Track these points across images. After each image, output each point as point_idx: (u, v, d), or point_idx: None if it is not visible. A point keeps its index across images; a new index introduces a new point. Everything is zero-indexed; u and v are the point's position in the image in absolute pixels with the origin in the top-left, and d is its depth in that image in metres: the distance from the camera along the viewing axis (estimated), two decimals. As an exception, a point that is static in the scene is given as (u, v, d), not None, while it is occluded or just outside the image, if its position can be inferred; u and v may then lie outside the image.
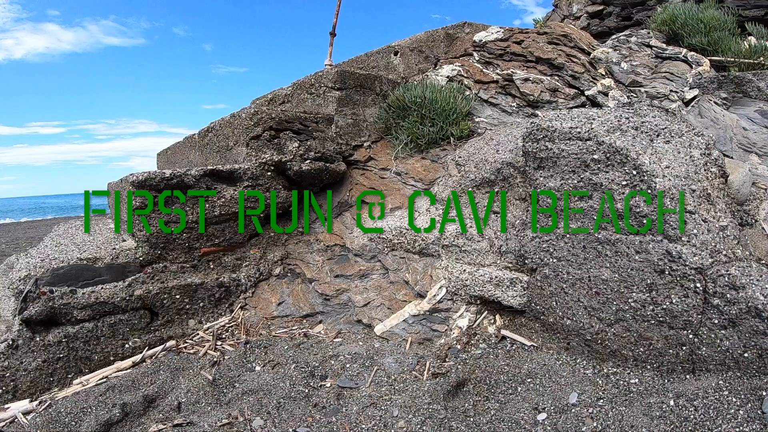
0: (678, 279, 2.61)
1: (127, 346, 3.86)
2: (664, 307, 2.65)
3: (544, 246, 3.28)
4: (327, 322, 4.36)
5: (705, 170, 2.91)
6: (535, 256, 3.34)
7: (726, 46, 4.90)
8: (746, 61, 4.64)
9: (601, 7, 7.62)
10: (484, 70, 5.67)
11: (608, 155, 2.88)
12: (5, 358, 3.38)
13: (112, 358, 3.78)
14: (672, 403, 2.44)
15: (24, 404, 3.30)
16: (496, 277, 3.56)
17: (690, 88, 4.42)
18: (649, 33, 5.34)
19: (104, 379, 3.55)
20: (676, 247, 2.62)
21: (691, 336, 2.59)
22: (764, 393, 2.30)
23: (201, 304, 4.22)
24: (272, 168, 4.54)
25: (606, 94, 4.83)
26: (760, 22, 5.60)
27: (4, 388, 3.36)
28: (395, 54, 6.32)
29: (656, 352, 2.71)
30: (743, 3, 5.87)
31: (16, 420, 3.16)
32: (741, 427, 2.18)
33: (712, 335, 2.53)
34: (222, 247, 4.42)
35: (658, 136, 2.98)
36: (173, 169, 4.15)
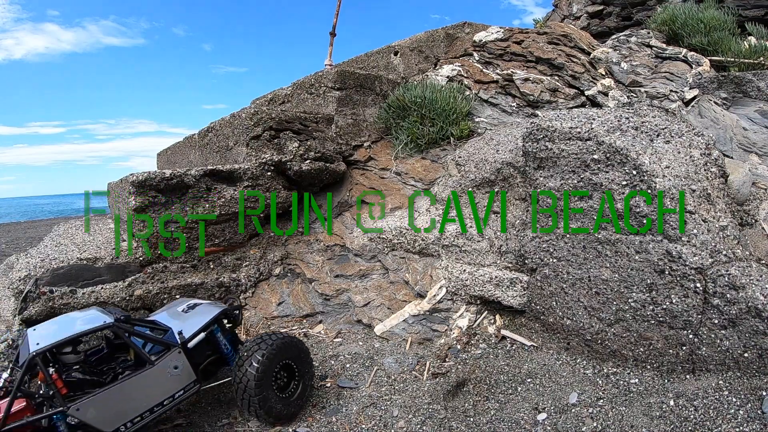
0: (678, 279, 2.61)
1: (127, 346, 3.85)
2: (664, 307, 2.66)
3: (544, 246, 3.28)
4: (327, 322, 4.36)
5: (705, 170, 2.91)
6: (535, 256, 3.34)
7: (726, 46, 4.91)
8: (746, 61, 4.64)
9: (601, 7, 7.62)
10: (484, 70, 5.67)
11: (608, 155, 2.89)
12: (5, 358, 3.38)
13: (112, 358, 3.77)
14: (672, 403, 2.44)
15: (24, 404, 3.29)
16: (496, 277, 3.56)
17: (690, 88, 4.43)
18: (649, 33, 5.34)
19: (104, 379, 3.54)
20: (676, 247, 2.62)
21: (691, 336, 2.59)
22: (764, 393, 2.30)
23: (201, 304, 4.22)
24: (272, 168, 4.54)
25: (606, 94, 4.83)
26: (760, 22, 5.61)
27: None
28: (395, 54, 6.32)
29: (656, 352, 2.71)
30: (743, 3, 5.87)
31: (16, 420, 3.16)
32: (741, 427, 2.18)
33: (712, 335, 2.53)
34: (222, 247, 4.42)
35: (658, 136, 2.98)
36: (173, 169, 4.15)
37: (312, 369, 3.15)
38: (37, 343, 2.36)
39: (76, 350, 2.67)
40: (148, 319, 3.07)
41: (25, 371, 2.28)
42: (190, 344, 2.81)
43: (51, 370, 2.34)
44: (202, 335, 2.92)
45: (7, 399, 2.29)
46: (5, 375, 2.52)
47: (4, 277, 4.22)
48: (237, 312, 3.20)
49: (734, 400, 2.33)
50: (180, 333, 2.81)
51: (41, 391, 2.44)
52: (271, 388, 2.84)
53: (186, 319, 3.01)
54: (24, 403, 2.36)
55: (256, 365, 2.76)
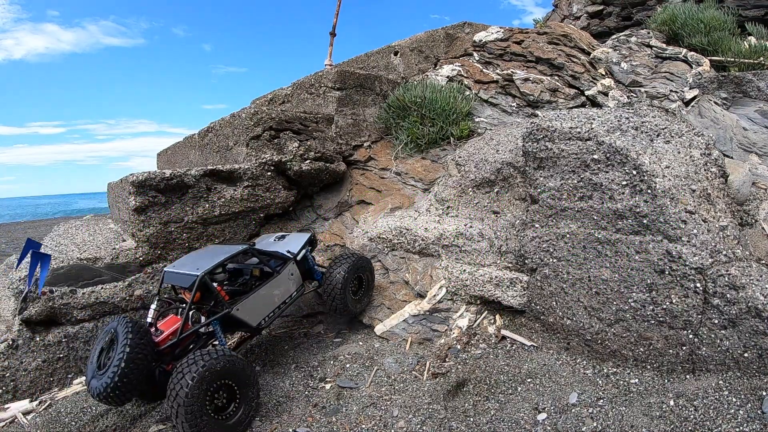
0: (678, 279, 2.61)
1: (127, 346, 3.85)
2: (664, 307, 2.65)
3: (544, 246, 3.28)
4: (327, 322, 4.36)
5: (705, 170, 2.91)
6: (535, 256, 3.34)
7: (726, 46, 4.90)
8: (746, 61, 4.63)
9: (601, 7, 7.62)
10: (484, 70, 5.67)
11: (608, 155, 2.88)
12: (5, 358, 3.39)
13: (112, 358, 3.77)
14: (672, 403, 2.44)
15: (24, 404, 3.30)
16: (496, 277, 3.56)
17: (690, 88, 4.42)
18: (649, 33, 5.34)
19: (104, 379, 3.54)
20: (676, 247, 2.62)
21: (691, 336, 2.59)
22: (764, 393, 2.30)
23: (201, 304, 4.22)
24: (272, 168, 4.54)
25: (606, 94, 4.83)
26: (760, 22, 5.60)
27: (4, 388, 3.36)
28: (395, 54, 6.33)
29: (656, 352, 2.71)
30: (743, 3, 5.87)
31: (16, 420, 3.17)
32: (741, 427, 2.18)
33: (712, 335, 2.53)
34: (222, 247, 4.41)
35: (658, 136, 2.98)
36: (173, 169, 4.15)
37: (373, 283, 4.09)
38: (197, 269, 2.97)
39: (223, 270, 3.32)
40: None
41: (197, 289, 2.92)
42: (299, 257, 3.70)
43: (215, 284, 3.06)
44: (304, 251, 3.79)
45: (171, 316, 3.04)
46: (153, 306, 3.09)
47: (4, 277, 4.21)
48: (315, 239, 4.13)
49: (734, 400, 2.33)
50: (288, 251, 3.66)
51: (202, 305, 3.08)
52: (349, 292, 3.79)
53: (285, 244, 3.83)
54: (179, 322, 2.93)
55: (341, 276, 3.69)
